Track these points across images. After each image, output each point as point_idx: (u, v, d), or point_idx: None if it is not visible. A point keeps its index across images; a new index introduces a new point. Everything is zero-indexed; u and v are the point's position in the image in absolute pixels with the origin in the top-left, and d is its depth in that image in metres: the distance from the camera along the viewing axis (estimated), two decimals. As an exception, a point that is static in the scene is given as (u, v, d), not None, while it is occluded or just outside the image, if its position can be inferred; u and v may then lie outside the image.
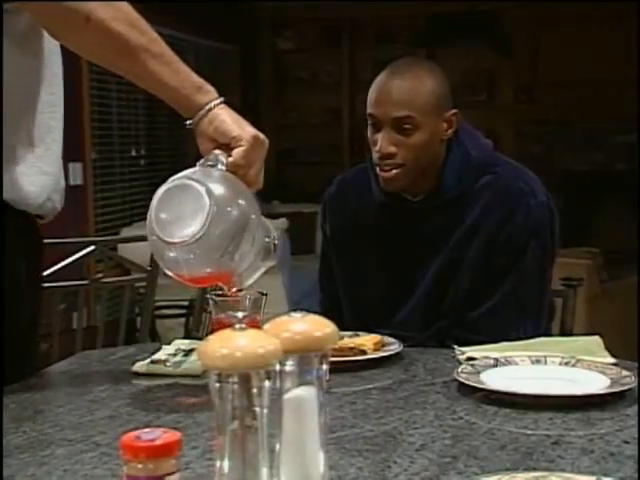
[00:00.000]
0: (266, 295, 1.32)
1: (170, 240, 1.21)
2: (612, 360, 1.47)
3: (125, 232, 4.97)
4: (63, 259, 2.26)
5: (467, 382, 1.34)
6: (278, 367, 0.80)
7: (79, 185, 4.81)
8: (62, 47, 1.52)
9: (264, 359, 0.76)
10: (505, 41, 6.96)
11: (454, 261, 1.86)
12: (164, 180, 1.27)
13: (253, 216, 1.27)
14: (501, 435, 1.15)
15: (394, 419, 1.23)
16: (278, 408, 0.82)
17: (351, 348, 1.55)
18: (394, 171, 1.84)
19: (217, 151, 1.32)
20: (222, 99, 1.35)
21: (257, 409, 0.77)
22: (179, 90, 1.32)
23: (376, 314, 1.92)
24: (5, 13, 1.36)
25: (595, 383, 1.33)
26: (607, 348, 1.54)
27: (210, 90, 1.35)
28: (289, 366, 0.83)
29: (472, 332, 1.79)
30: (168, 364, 1.49)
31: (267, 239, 1.36)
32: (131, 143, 5.72)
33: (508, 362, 1.46)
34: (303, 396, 0.83)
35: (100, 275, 2.41)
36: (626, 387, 1.30)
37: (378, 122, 1.84)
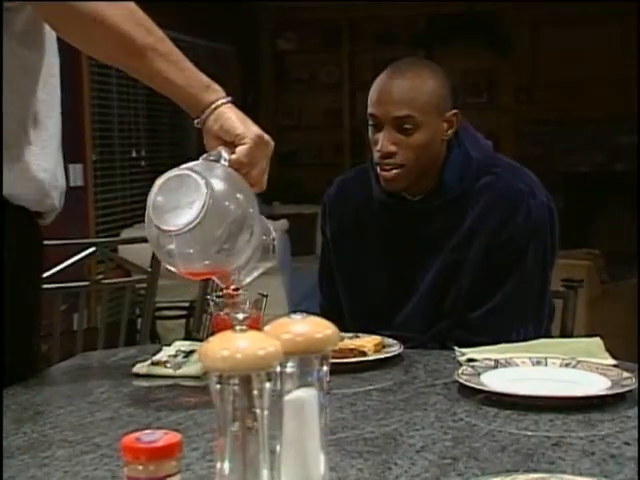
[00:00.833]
0: (266, 296, 1.32)
1: (165, 227, 1.21)
2: (613, 361, 1.47)
3: (126, 233, 4.97)
4: (64, 260, 2.26)
5: (468, 383, 1.34)
6: (279, 369, 0.80)
7: (80, 186, 4.81)
8: (62, 47, 1.52)
9: (265, 361, 0.76)
10: (504, 41, 6.96)
11: (455, 261, 1.86)
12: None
13: (251, 211, 1.27)
14: (502, 437, 1.15)
15: (394, 420, 1.23)
16: (279, 410, 0.82)
17: (351, 349, 1.55)
18: (394, 171, 1.84)
19: (221, 147, 1.33)
20: (229, 98, 1.37)
21: (258, 411, 0.77)
22: (186, 89, 1.34)
23: (377, 315, 1.92)
24: (5, 11, 1.37)
25: (596, 384, 1.33)
26: (608, 349, 1.54)
27: (217, 89, 1.36)
28: (290, 368, 0.83)
29: (473, 333, 1.79)
30: (169, 365, 1.49)
31: (264, 237, 1.36)
32: (131, 144, 5.72)
33: (509, 363, 1.46)
34: (304, 398, 0.83)
35: (101, 276, 2.41)
36: (627, 389, 1.30)
37: (379, 122, 1.84)
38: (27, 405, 1.34)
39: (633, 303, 3.94)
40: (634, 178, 6.11)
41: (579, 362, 1.44)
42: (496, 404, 1.28)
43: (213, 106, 1.34)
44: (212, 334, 0.84)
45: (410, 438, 1.14)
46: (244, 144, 1.32)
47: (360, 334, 1.65)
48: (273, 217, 4.99)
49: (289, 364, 0.82)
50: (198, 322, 2.77)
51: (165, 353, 1.55)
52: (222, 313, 1.32)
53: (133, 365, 1.52)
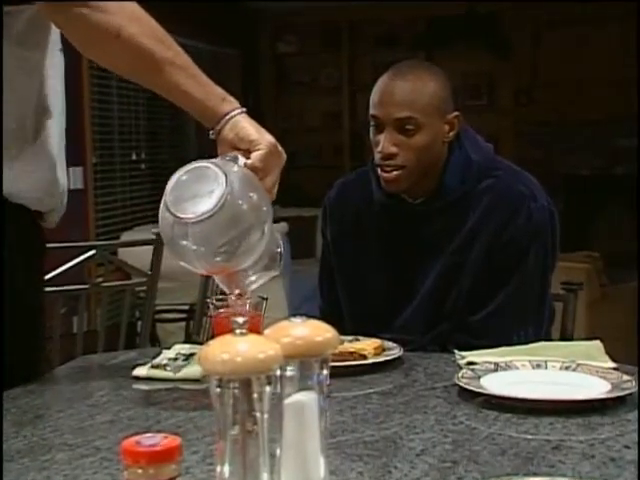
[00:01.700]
0: (266, 299, 1.32)
1: (183, 215, 1.21)
2: (613, 365, 1.47)
3: (126, 236, 4.96)
4: (64, 263, 2.26)
5: (468, 387, 1.34)
6: (279, 372, 0.80)
7: (80, 189, 4.80)
8: (62, 49, 1.53)
9: (265, 364, 0.76)
10: (504, 43, 6.96)
11: (455, 264, 1.86)
12: (165, 184, 1.27)
13: (265, 209, 1.29)
14: (502, 440, 1.15)
15: (394, 424, 1.23)
16: (279, 413, 0.82)
17: (351, 353, 1.55)
18: (395, 172, 1.84)
19: (236, 152, 1.34)
20: (244, 109, 1.39)
21: (258, 414, 0.77)
22: (204, 102, 1.37)
23: (377, 317, 1.92)
24: (5, 15, 1.37)
25: (596, 388, 1.33)
26: (607, 352, 1.54)
27: (232, 100, 1.39)
28: (290, 371, 0.83)
29: (474, 336, 1.79)
30: (168, 368, 1.49)
31: (273, 247, 1.38)
32: (132, 147, 5.72)
33: (509, 367, 1.46)
34: (304, 401, 0.83)
35: (101, 279, 2.41)
36: (627, 392, 1.30)
37: (380, 123, 1.84)
38: (27, 408, 1.34)
39: (633, 306, 3.94)
40: (634, 181, 6.11)
41: (579, 365, 1.44)
42: (496, 407, 1.28)
43: (228, 116, 1.37)
44: (212, 337, 0.84)
45: (410, 441, 1.14)
46: (259, 150, 1.35)
47: (360, 337, 1.65)
48: (273, 220, 4.98)
49: (289, 367, 0.82)
50: (198, 325, 2.76)
51: (165, 356, 1.54)
52: (222, 316, 1.32)
53: (133, 368, 1.52)
